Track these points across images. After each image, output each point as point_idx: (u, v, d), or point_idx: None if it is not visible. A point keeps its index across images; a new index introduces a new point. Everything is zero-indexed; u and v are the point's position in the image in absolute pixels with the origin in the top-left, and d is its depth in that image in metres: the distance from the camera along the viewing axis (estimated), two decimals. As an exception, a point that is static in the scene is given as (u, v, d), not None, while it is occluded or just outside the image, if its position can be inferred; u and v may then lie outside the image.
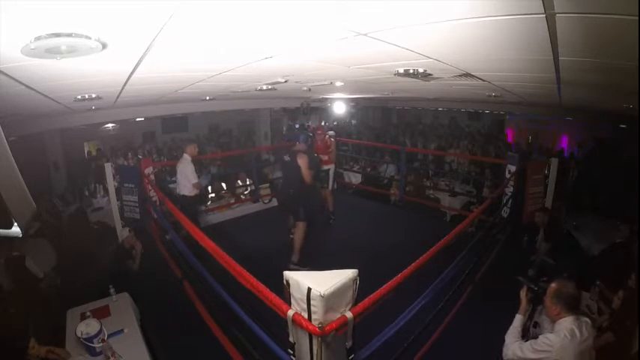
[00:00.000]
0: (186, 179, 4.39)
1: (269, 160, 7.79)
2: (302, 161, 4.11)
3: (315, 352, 1.53)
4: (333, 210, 5.62)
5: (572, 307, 1.81)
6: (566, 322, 1.79)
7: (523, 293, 2.12)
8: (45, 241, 4.13)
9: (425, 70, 2.05)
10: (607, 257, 3.68)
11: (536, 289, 2.08)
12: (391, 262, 4.36)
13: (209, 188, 6.49)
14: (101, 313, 2.75)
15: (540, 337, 1.84)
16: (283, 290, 1.64)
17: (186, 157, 4.47)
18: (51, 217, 5.12)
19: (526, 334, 2.05)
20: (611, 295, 2.67)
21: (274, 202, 6.19)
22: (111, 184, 4.83)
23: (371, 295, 1.78)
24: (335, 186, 5.81)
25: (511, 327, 2.07)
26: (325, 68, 2.18)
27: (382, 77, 2.65)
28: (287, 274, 1.62)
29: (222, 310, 3.05)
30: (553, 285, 1.88)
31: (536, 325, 2.14)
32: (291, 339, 1.66)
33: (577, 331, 1.75)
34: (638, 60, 1.20)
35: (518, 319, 2.08)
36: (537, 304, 2.12)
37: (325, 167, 5.51)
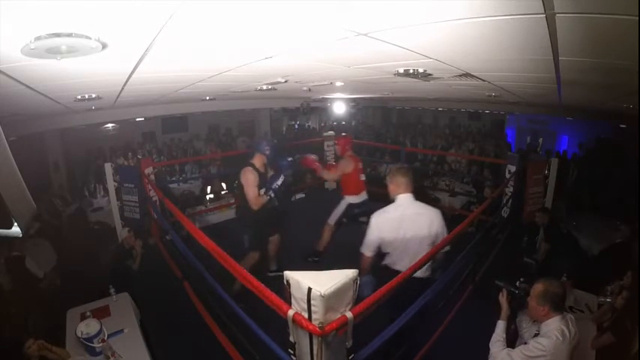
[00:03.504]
0: None
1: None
2: (245, 178, 3.17)
3: (315, 351, 1.53)
4: (321, 250, 4.13)
5: (559, 306, 1.78)
6: (555, 323, 1.75)
7: (503, 298, 2.06)
8: (45, 241, 4.14)
9: (425, 70, 2.05)
10: (607, 257, 3.68)
11: (516, 292, 2.02)
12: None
13: (208, 188, 6.51)
14: (101, 313, 2.76)
15: (531, 342, 1.78)
16: (283, 290, 1.64)
17: None
18: (51, 217, 5.13)
19: (510, 340, 1.98)
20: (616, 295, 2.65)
21: (274, 203, 6.18)
22: (111, 184, 4.83)
23: (371, 295, 1.78)
24: (343, 220, 4.15)
25: (494, 335, 1.99)
26: (325, 68, 2.18)
27: (382, 77, 2.65)
28: (287, 273, 1.62)
29: (223, 310, 3.06)
30: (539, 285, 1.81)
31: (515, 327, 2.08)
32: (291, 339, 1.66)
33: (566, 330, 1.72)
34: (638, 60, 1.20)
35: (500, 326, 2.01)
36: (519, 307, 2.05)
37: (347, 198, 4.06)
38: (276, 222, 3.76)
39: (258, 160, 3.30)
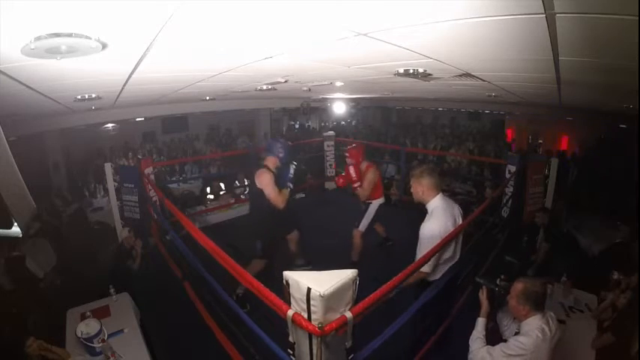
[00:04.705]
0: None
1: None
2: (263, 180, 3.13)
3: (314, 352, 1.52)
4: (356, 260, 4.01)
5: (540, 304, 1.77)
6: (535, 321, 1.74)
7: (483, 295, 2.05)
8: (45, 241, 4.14)
9: (425, 70, 2.05)
10: (607, 257, 3.69)
11: (496, 289, 2.02)
12: (391, 261, 4.33)
13: (207, 189, 6.51)
14: (101, 313, 2.75)
15: (511, 340, 1.78)
16: (283, 290, 1.64)
17: None
18: (51, 217, 5.12)
19: (490, 337, 1.98)
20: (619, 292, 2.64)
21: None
22: (111, 184, 4.83)
23: (371, 295, 1.78)
24: (372, 226, 4.17)
25: (474, 332, 1.99)
26: (325, 68, 2.19)
27: (382, 77, 2.66)
28: (287, 274, 1.62)
29: (223, 309, 3.05)
30: (519, 284, 1.80)
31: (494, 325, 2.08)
32: (290, 339, 1.66)
33: (547, 329, 1.72)
34: (638, 60, 1.20)
35: (480, 323, 2.00)
36: (498, 305, 2.04)
37: (375, 201, 4.07)
38: (293, 219, 3.80)
39: (271, 163, 3.26)
